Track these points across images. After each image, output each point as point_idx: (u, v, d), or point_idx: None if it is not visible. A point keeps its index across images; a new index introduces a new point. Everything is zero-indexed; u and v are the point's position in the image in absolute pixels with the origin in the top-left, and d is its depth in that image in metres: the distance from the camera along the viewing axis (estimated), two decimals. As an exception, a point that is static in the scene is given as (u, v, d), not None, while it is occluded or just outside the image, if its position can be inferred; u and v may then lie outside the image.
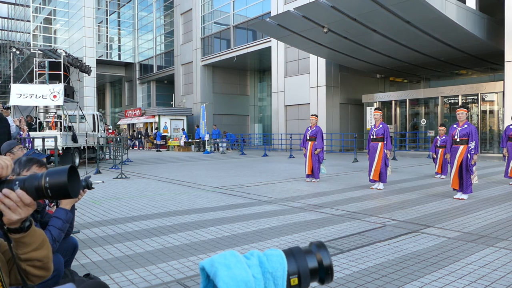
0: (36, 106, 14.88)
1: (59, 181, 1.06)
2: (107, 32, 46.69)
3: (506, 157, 9.25)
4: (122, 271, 3.63)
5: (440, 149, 10.38)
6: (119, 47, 46.58)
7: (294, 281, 0.90)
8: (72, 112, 16.05)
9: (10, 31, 62.42)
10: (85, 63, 18.14)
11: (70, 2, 40.51)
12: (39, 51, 16.09)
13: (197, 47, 32.47)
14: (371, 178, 8.61)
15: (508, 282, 3.28)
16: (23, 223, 1.18)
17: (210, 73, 32.71)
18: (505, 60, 15.85)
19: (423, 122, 21.05)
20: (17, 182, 1.13)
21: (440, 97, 19.90)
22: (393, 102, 21.82)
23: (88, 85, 34.66)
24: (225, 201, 7.22)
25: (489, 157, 16.57)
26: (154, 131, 30.55)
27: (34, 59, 15.15)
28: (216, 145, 25.43)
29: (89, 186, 2.35)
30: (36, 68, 14.85)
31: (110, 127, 35.39)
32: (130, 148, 28.71)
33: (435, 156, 10.70)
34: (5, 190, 1.12)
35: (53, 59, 15.18)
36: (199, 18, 32.41)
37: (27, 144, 9.44)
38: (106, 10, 46.60)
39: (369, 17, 14.92)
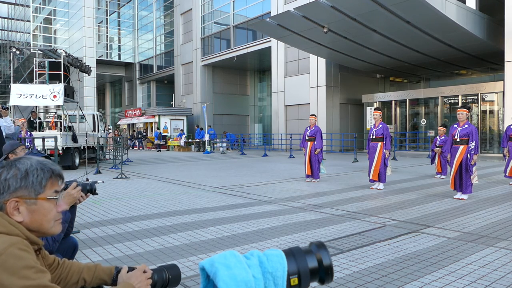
0: (36, 106, 14.88)
1: (177, 273, 1.54)
2: (107, 32, 46.70)
3: (507, 157, 9.25)
4: (122, 271, 3.62)
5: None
6: (119, 47, 46.59)
7: (294, 281, 0.90)
8: (72, 112, 16.04)
9: (10, 31, 62.44)
10: (85, 63, 18.11)
11: (70, 2, 40.52)
12: (39, 51, 16.07)
13: (197, 47, 32.47)
14: (370, 178, 8.61)
15: (508, 282, 3.28)
16: None
17: (210, 73, 32.71)
18: (505, 60, 15.85)
19: (423, 122, 21.04)
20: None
21: (440, 97, 19.89)
22: (393, 102, 21.82)
23: (88, 85, 34.68)
24: (225, 201, 7.22)
25: (489, 157, 16.57)
26: (156, 131, 30.62)
27: (34, 59, 15.12)
28: (213, 145, 25.33)
29: (93, 191, 2.42)
30: (36, 68, 14.82)
31: (110, 127, 35.36)
32: (130, 148, 28.71)
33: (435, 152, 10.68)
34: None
35: (53, 59, 15.15)
36: (199, 18, 32.40)
37: (27, 144, 9.44)
38: (106, 10, 46.60)
39: (369, 17, 14.92)
